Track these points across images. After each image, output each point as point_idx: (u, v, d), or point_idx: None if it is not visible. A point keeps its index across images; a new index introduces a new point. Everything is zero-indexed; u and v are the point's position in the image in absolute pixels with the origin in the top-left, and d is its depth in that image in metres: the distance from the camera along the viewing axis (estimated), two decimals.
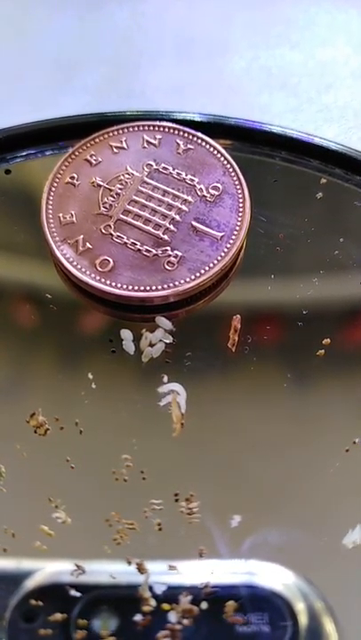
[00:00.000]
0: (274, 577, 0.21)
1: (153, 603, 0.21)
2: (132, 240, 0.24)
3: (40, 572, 0.22)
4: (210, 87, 0.33)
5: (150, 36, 0.36)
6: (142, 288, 0.23)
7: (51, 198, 0.25)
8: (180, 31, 0.35)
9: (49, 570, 0.22)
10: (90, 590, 0.21)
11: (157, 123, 0.26)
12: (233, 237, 0.24)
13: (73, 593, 0.21)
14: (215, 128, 0.26)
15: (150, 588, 0.21)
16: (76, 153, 0.26)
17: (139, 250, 0.24)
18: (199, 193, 0.25)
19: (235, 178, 0.25)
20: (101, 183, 0.25)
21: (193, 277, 0.24)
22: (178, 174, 0.25)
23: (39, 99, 0.33)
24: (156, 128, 0.26)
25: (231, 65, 0.34)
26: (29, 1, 0.37)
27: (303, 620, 0.21)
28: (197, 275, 0.24)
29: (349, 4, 0.36)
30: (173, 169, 0.25)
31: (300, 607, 0.21)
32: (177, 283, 0.23)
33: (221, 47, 0.35)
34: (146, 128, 0.26)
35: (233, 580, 0.21)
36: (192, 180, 0.25)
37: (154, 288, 0.23)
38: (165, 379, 0.23)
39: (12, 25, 0.36)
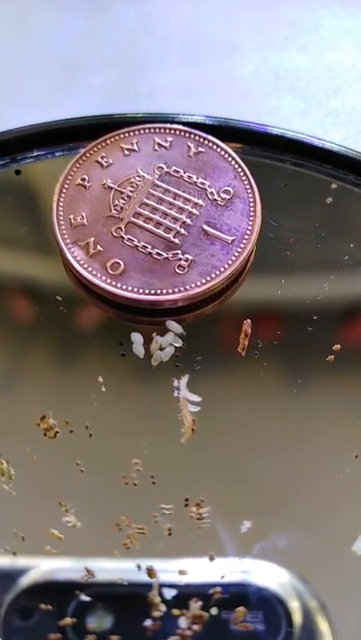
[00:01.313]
0: (270, 576, 0.21)
1: (163, 608, 0.21)
2: (143, 243, 0.24)
3: (36, 569, 0.21)
4: (217, 90, 0.33)
5: (157, 38, 0.35)
6: (153, 291, 0.23)
7: (61, 200, 0.25)
8: (188, 33, 0.35)
9: (44, 567, 0.21)
10: (100, 594, 0.21)
11: (168, 125, 0.26)
12: (244, 241, 0.24)
13: (83, 598, 0.21)
14: (226, 131, 0.26)
15: (160, 593, 0.21)
16: (87, 155, 0.25)
17: (149, 253, 0.24)
18: (210, 196, 0.25)
19: (246, 182, 0.25)
20: (112, 185, 0.25)
21: (203, 281, 0.23)
22: (189, 177, 0.25)
23: (45, 100, 0.33)
24: (167, 130, 0.26)
25: (239, 67, 0.34)
26: (36, 2, 0.37)
27: (298, 618, 0.21)
28: (208, 279, 0.23)
29: (357, 8, 0.36)
30: (184, 172, 0.25)
31: (294, 606, 0.21)
32: (187, 286, 0.23)
33: (229, 49, 0.35)
34: (157, 130, 0.26)
35: (230, 579, 0.21)
36: (203, 184, 0.25)
37: (164, 292, 0.23)
38: (175, 383, 0.23)
39: (18, 26, 0.36)
